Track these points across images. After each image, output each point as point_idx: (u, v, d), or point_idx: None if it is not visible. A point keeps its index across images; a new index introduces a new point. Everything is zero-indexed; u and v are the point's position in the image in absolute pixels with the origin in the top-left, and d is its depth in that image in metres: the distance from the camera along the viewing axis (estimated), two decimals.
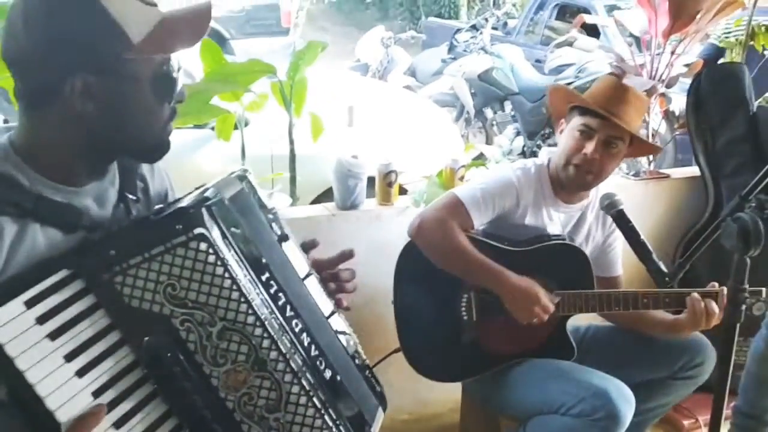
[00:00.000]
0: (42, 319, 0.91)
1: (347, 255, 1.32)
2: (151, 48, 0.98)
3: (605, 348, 2.05)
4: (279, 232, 1.19)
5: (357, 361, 1.26)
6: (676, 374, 1.96)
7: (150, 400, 1.00)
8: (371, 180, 2.38)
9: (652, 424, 2.14)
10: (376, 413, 1.25)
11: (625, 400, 1.75)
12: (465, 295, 1.93)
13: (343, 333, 1.26)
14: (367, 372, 1.29)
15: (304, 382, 1.05)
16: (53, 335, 0.92)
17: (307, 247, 1.30)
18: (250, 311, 1.00)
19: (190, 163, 2.95)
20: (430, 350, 1.98)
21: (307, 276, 1.21)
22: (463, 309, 1.94)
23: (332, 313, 1.24)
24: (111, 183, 1.10)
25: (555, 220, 1.96)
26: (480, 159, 2.81)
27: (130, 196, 1.12)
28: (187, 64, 3.46)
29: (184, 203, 1.02)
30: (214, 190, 1.05)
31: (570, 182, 1.91)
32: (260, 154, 2.54)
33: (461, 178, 2.40)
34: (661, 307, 1.87)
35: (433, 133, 3.86)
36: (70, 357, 0.93)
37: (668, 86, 2.88)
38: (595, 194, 2.00)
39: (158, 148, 1.08)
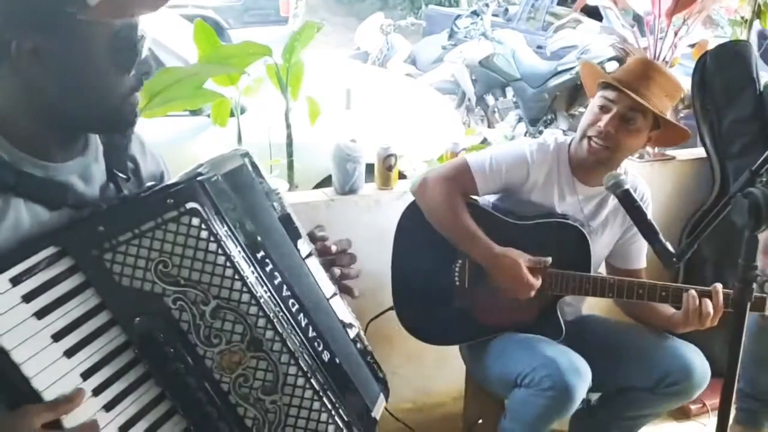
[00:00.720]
0: (28, 297, 0.88)
1: (345, 245, 1.28)
2: (108, 10, 0.92)
3: (596, 342, 1.95)
4: (280, 211, 1.15)
5: (359, 345, 1.23)
6: (654, 389, 1.86)
7: (142, 382, 0.96)
8: (370, 167, 2.34)
9: (645, 425, 2.05)
10: (378, 399, 1.22)
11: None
12: (459, 261, 1.92)
13: (345, 316, 1.22)
14: (369, 358, 1.25)
15: (302, 363, 1.02)
16: (40, 314, 0.89)
17: (313, 238, 1.26)
18: (244, 289, 0.97)
19: (186, 151, 2.90)
20: (421, 311, 1.98)
21: (309, 256, 1.18)
22: (456, 274, 1.93)
23: (333, 295, 1.20)
24: (95, 160, 1.06)
25: (568, 200, 1.91)
26: (483, 143, 2.76)
27: (120, 174, 1.08)
28: (182, 49, 3.40)
29: (175, 179, 0.99)
30: (208, 165, 1.02)
31: (585, 156, 1.86)
32: (257, 141, 2.49)
33: None
34: (656, 300, 1.82)
35: (434, 120, 3.82)
36: (58, 336, 0.90)
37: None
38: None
39: (120, 121, 1.03)
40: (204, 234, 0.95)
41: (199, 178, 0.98)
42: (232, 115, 2.42)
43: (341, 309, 1.21)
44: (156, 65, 3.18)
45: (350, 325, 1.22)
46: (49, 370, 0.88)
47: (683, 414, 2.50)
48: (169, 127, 2.81)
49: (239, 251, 0.99)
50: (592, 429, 2.04)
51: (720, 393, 1.42)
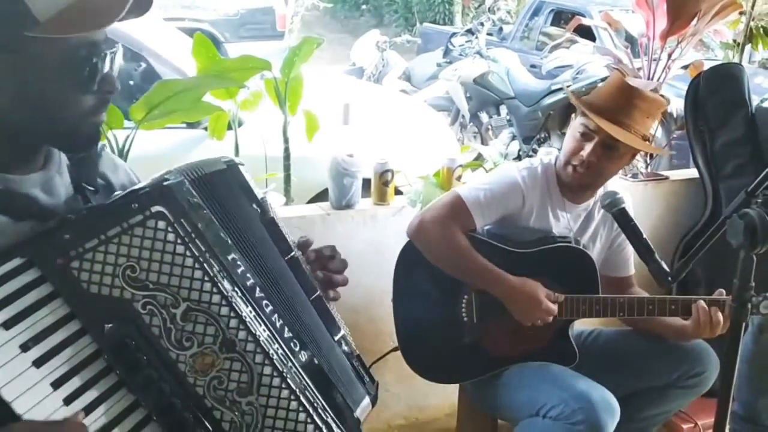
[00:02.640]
0: None
1: (330, 251, 1.28)
2: (58, 27, 0.89)
3: (608, 353, 2.01)
4: (263, 215, 1.15)
5: (344, 347, 1.22)
6: (675, 383, 1.91)
7: (115, 390, 0.94)
8: (367, 182, 2.35)
9: (653, 430, 2.10)
10: (362, 401, 1.19)
11: (607, 407, 1.70)
12: (465, 296, 1.90)
13: (330, 316, 1.22)
14: (355, 361, 1.24)
15: (277, 364, 1.01)
16: (7, 324, 0.87)
17: (301, 247, 1.26)
18: (214, 290, 0.97)
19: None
20: (429, 351, 1.95)
21: (292, 258, 1.17)
22: (464, 310, 1.90)
23: (317, 296, 1.20)
24: (58, 173, 1.04)
25: (561, 220, 1.93)
26: (478, 160, 2.78)
27: (88, 187, 1.06)
28: (179, 61, 3.40)
29: (141, 184, 0.98)
30: (177, 171, 1.01)
31: (570, 182, 1.89)
32: (254, 154, 2.50)
33: (458, 178, 2.37)
34: (667, 314, 1.84)
35: (429, 136, 3.84)
36: (26, 347, 0.88)
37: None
38: (603, 191, 1.96)
39: (78, 139, 1.00)
40: (171, 237, 0.95)
41: (165, 183, 0.97)
42: (229, 128, 2.42)
43: (325, 310, 1.21)
44: (153, 78, 3.23)
45: (336, 328, 1.22)
46: (18, 381, 0.87)
47: None
48: (166, 140, 2.81)
49: (207, 252, 0.98)
50: None
51: (714, 413, 1.42)
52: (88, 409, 0.92)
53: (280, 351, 1.03)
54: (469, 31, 6.43)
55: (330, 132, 2.69)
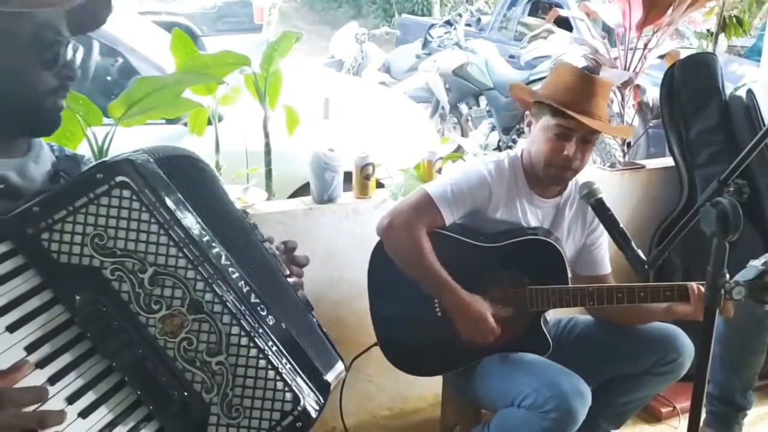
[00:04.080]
0: None
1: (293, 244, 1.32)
2: (28, 2, 0.98)
3: (584, 342, 2.04)
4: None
5: (315, 318, 1.25)
6: (651, 370, 1.95)
7: (89, 356, 0.98)
8: (348, 176, 2.36)
9: (632, 415, 2.14)
10: (335, 365, 1.22)
11: (578, 395, 1.73)
12: None
13: (302, 295, 1.26)
14: (328, 339, 1.26)
15: (244, 324, 1.04)
16: None
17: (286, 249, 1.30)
18: (180, 254, 1.01)
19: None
20: (406, 346, 1.98)
21: (264, 241, 1.23)
22: (437, 306, 1.93)
23: (287, 276, 1.24)
24: (34, 160, 1.10)
25: (530, 214, 1.94)
26: (458, 152, 2.80)
27: (64, 176, 1.12)
28: (155, 56, 3.37)
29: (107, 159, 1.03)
30: (141, 150, 1.06)
31: (550, 181, 1.91)
32: (234, 149, 2.50)
33: (439, 171, 2.39)
34: (636, 302, 1.86)
35: (409, 128, 3.85)
36: (0, 312, 0.91)
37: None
38: (573, 187, 1.97)
39: (41, 117, 1.07)
40: (135, 205, 0.99)
41: (128, 157, 1.03)
42: (209, 123, 2.42)
43: (298, 291, 1.25)
44: (131, 73, 3.20)
45: (308, 306, 1.25)
46: None
47: (654, 417, 2.56)
48: (145, 136, 2.79)
49: (171, 219, 1.02)
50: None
51: (690, 396, 1.46)
52: (62, 373, 0.95)
53: (247, 313, 1.06)
54: (448, 23, 6.43)
55: (310, 126, 2.69)
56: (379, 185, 2.45)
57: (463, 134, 5.90)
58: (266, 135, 2.36)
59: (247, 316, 1.05)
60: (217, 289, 1.03)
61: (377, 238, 1.95)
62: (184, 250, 1.01)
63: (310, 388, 1.10)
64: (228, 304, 1.03)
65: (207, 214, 1.10)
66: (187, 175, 1.11)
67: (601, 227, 1.82)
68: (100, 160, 1.02)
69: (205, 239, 1.06)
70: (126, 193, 0.98)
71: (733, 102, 2.73)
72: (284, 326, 1.11)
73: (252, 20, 8.65)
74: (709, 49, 3.38)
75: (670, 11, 2.83)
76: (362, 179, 2.33)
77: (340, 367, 1.23)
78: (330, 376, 1.17)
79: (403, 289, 1.91)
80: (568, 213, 1.98)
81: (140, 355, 0.99)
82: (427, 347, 1.96)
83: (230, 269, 1.08)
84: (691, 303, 1.80)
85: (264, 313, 1.09)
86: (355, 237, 2.27)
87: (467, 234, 1.91)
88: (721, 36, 3.42)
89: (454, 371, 2.01)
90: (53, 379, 0.93)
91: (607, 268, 2.06)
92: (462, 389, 2.03)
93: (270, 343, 1.07)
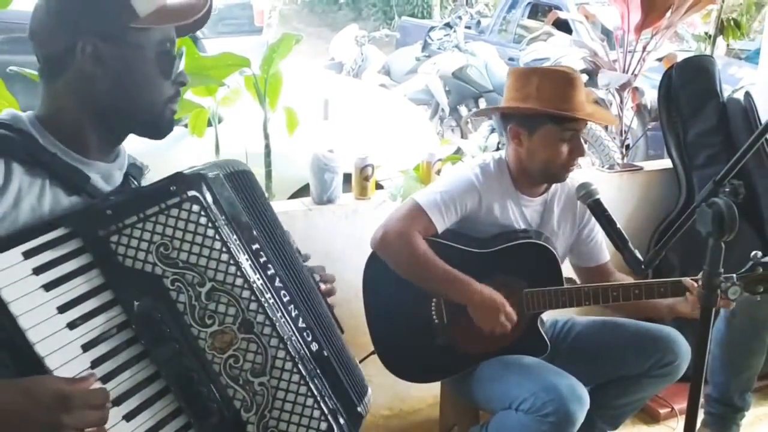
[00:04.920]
0: (38, 270, 0.95)
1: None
2: (153, 20, 1.09)
3: (581, 343, 2.04)
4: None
5: (344, 336, 1.30)
6: (648, 372, 1.95)
7: (139, 360, 1.01)
8: (348, 177, 2.37)
9: (629, 416, 2.14)
10: (365, 394, 1.25)
11: (576, 398, 1.73)
12: (434, 299, 1.93)
13: (335, 317, 1.31)
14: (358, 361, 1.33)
15: (290, 349, 1.07)
16: (48, 286, 0.94)
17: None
18: (238, 273, 1.04)
19: (163, 161, 2.90)
20: (405, 354, 1.98)
21: (302, 253, 1.29)
22: (434, 313, 1.93)
23: (325, 297, 1.30)
24: (120, 168, 1.17)
25: (520, 215, 1.95)
26: (457, 153, 2.81)
27: (134, 179, 1.19)
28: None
29: (179, 171, 1.06)
30: (213, 164, 1.12)
31: (552, 180, 1.93)
32: (234, 150, 2.51)
33: (438, 172, 2.40)
34: (631, 299, 1.87)
35: (409, 130, 3.86)
36: (63, 309, 0.95)
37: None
38: (560, 184, 1.98)
39: (161, 124, 1.15)
40: (203, 220, 1.02)
41: (201, 171, 1.06)
42: (209, 124, 2.43)
43: (332, 312, 1.31)
44: None
45: (340, 327, 1.30)
46: (52, 339, 0.94)
47: (652, 418, 2.56)
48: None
49: (235, 239, 1.06)
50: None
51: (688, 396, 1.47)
52: (113, 374, 0.98)
53: (294, 338, 1.09)
54: (448, 25, 6.46)
55: (310, 127, 2.70)
56: (379, 186, 2.46)
57: (463, 136, 5.91)
58: (266, 136, 2.38)
59: (294, 341, 1.09)
60: (269, 312, 1.06)
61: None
62: (243, 270, 1.04)
63: (344, 418, 1.13)
64: (278, 327, 1.06)
65: (263, 232, 1.15)
66: (248, 191, 1.17)
67: (594, 219, 1.84)
68: (175, 172, 1.05)
69: (262, 260, 1.10)
70: (195, 207, 1.02)
71: (730, 104, 2.74)
72: (326, 354, 1.15)
73: (252, 22, 8.67)
74: (708, 52, 3.39)
75: (668, 14, 2.84)
76: (362, 180, 2.34)
77: (368, 394, 1.27)
78: (362, 408, 1.21)
79: (398, 299, 1.92)
80: (556, 209, 1.99)
81: (188, 365, 1.01)
82: (426, 355, 1.96)
83: (282, 292, 1.12)
84: (688, 300, 1.81)
85: (309, 339, 1.13)
86: (354, 238, 2.28)
87: (459, 240, 1.91)
88: (721, 39, 3.44)
89: (453, 377, 2.01)
90: (105, 379, 0.97)
91: (606, 255, 2.07)
92: (460, 391, 2.04)
93: (312, 370, 1.10)
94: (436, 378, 2.08)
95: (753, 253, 1.68)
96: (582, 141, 1.86)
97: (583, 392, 1.77)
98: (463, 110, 6.02)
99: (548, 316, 2.05)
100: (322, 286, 1.35)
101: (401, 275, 1.86)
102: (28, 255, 0.94)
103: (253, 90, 2.31)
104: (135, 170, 1.22)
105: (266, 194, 1.31)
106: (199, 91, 2.31)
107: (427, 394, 2.52)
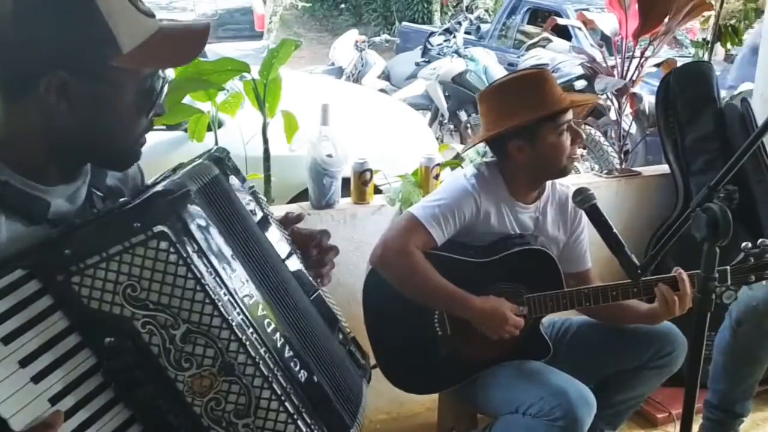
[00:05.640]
0: None
1: (325, 234, 1.31)
2: (139, 60, 0.96)
3: (579, 342, 2.07)
4: (259, 214, 1.15)
5: (340, 336, 1.23)
6: (647, 364, 1.98)
7: (112, 406, 0.94)
8: (346, 182, 2.38)
9: (628, 416, 2.16)
10: (361, 398, 1.21)
11: (584, 401, 1.75)
12: (436, 312, 1.93)
13: (327, 309, 1.22)
14: (351, 347, 1.25)
15: (275, 387, 1.00)
16: (6, 339, 0.87)
17: (290, 221, 1.28)
18: (215, 313, 0.96)
19: (163, 166, 2.91)
20: (408, 367, 1.98)
21: (289, 256, 1.17)
22: (437, 324, 1.93)
23: (315, 292, 1.20)
24: (84, 183, 1.07)
25: (516, 221, 1.95)
26: (457, 158, 2.82)
27: (96, 192, 1.08)
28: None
29: (145, 196, 0.96)
30: (180, 180, 0.99)
31: (564, 174, 1.94)
32: (234, 154, 2.52)
33: (436, 177, 2.41)
34: (630, 297, 1.90)
35: (409, 135, 3.87)
36: (25, 362, 0.88)
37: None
38: (550, 187, 2.00)
39: (127, 158, 1.06)
40: (173, 258, 0.93)
41: (169, 198, 0.95)
42: (209, 129, 2.44)
43: (323, 305, 1.21)
44: None
45: (333, 320, 1.22)
46: (16, 398, 0.87)
47: (649, 422, 2.56)
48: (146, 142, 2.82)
49: (210, 272, 0.97)
50: None
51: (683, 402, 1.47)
52: (86, 424, 0.91)
53: (279, 373, 1.02)
54: (447, 31, 6.49)
55: (309, 132, 2.71)
56: (377, 191, 2.47)
57: (462, 141, 5.92)
58: (265, 141, 2.39)
59: (279, 377, 1.01)
60: (251, 350, 0.98)
61: (374, 244, 1.97)
62: (220, 308, 0.96)
63: None
64: (261, 365, 0.99)
65: (241, 250, 1.05)
66: (221, 201, 1.06)
67: (584, 224, 1.86)
68: (138, 201, 0.94)
69: (241, 292, 1.01)
70: (163, 245, 0.92)
71: (728, 110, 2.75)
72: (316, 379, 1.08)
73: (253, 27, 8.71)
74: (705, 58, 3.41)
75: (666, 20, 2.86)
76: (360, 185, 2.35)
77: (363, 405, 1.21)
78: (356, 426, 1.16)
79: (400, 313, 1.92)
80: (549, 214, 2.00)
81: (165, 408, 0.95)
82: (430, 367, 1.97)
83: (266, 321, 1.03)
84: (680, 292, 1.83)
85: (297, 368, 1.05)
86: (353, 242, 2.29)
87: (458, 250, 1.91)
88: (718, 44, 3.45)
89: (459, 384, 2.00)
90: (79, 430, 0.90)
91: (589, 263, 2.08)
92: (461, 396, 2.04)
93: (300, 405, 1.03)
94: (442, 388, 2.08)
95: (743, 244, 1.72)
96: (575, 126, 1.89)
97: (591, 396, 1.78)
98: (462, 115, 6.04)
99: (546, 318, 2.06)
100: (324, 270, 1.27)
101: (400, 291, 1.87)
102: None
103: (252, 95, 2.32)
104: (118, 182, 1.13)
105: (265, 198, 1.22)
106: (198, 96, 2.32)
107: (425, 398, 2.52)
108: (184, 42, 1.00)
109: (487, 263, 1.89)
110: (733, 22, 3.69)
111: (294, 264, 1.19)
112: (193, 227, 0.97)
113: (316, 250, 1.27)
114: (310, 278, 1.22)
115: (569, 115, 1.88)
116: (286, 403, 1.01)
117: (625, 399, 2.05)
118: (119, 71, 0.96)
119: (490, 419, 1.96)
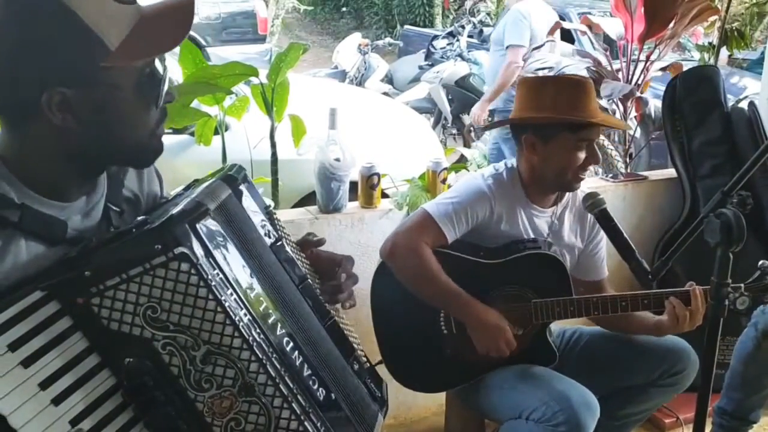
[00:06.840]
0: (14, 346, 0.88)
1: (347, 260, 1.30)
2: (130, 54, 0.94)
3: (589, 353, 2.05)
4: (273, 236, 1.15)
5: (356, 366, 1.22)
6: (656, 382, 1.95)
7: (132, 426, 0.95)
8: (354, 185, 2.37)
9: (634, 428, 2.14)
10: (375, 423, 1.20)
11: (587, 407, 1.73)
12: (443, 311, 1.92)
13: (343, 337, 1.22)
14: (367, 378, 1.25)
15: (295, 406, 1.00)
16: (27, 362, 0.88)
17: (310, 245, 1.28)
18: (236, 334, 0.96)
19: (170, 169, 2.91)
20: (413, 365, 1.98)
21: (303, 281, 1.17)
22: (443, 324, 1.93)
23: (331, 319, 1.20)
24: (102, 196, 1.07)
25: (531, 225, 1.94)
26: (461, 162, 2.82)
27: (113, 207, 1.08)
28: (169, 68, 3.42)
29: (166, 216, 0.95)
30: (199, 200, 0.99)
31: (567, 188, 1.92)
32: (241, 158, 2.52)
33: (443, 181, 2.40)
34: (640, 309, 1.87)
35: (414, 138, 3.87)
36: (45, 384, 0.89)
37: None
38: (571, 194, 1.98)
39: (147, 153, 1.05)
40: (194, 279, 0.93)
41: (189, 218, 0.95)
42: (216, 133, 2.44)
43: (338, 333, 1.21)
44: None
45: (349, 349, 1.22)
46: (37, 421, 0.87)
47: (657, 427, 2.56)
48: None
49: (231, 293, 0.97)
50: None
51: (695, 407, 1.46)
52: None
53: (299, 393, 1.02)
54: (450, 34, 6.50)
55: (317, 136, 2.71)
56: (384, 195, 2.47)
57: (466, 145, 5.92)
58: (273, 145, 2.39)
59: (299, 397, 1.01)
60: (271, 370, 0.98)
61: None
62: (240, 329, 0.96)
63: None
64: (281, 386, 0.99)
65: (258, 272, 1.05)
66: (236, 219, 1.06)
67: (602, 233, 1.83)
68: (160, 223, 0.94)
69: (261, 308, 1.02)
70: (185, 266, 0.92)
71: (735, 114, 2.75)
72: (333, 397, 1.08)
73: (256, 30, 8.72)
74: (711, 62, 3.40)
75: (672, 24, 2.86)
76: (368, 189, 2.35)
77: (380, 420, 1.21)
78: None
79: (407, 310, 1.91)
80: (567, 220, 1.99)
81: (184, 429, 0.95)
82: (435, 365, 1.96)
83: (285, 339, 1.04)
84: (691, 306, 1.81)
85: (315, 386, 1.06)
86: (360, 246, 2.29)
87: (468, 250, 1.90)
88: (723, 48, 3.45)
89: (461, 386, 2.01)
90: None
91: (605, 272, 2.07)
92: (468, 400, 2.03)
93: (319, 424, 1.03)
94: (445, 388, 2.08)
95: (760, 262, 1.69)
96: (596, 148, 1.86)
97: (594, 402, 1.77)
98: (465, 119, 6.04)
99: (555, 325, 2.05)
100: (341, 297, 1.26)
101: (407, 286, 1.87)
102: (2, 330, 0.87)
103: (260, 99, 2.32)
104: (129, 203, 1.12)
105: (271, 203, 1.20)
106: (206, 100, 2.32)
107: (432, 402, 2.52)
108: (169, 24, 0.97)
109: (496, 265, 1.88)
110: (736, 25, 3.68)
111: (308, 290, 1.18)
112: (212, 248, 0.97)
113: (343, 274, 1.27)
114: (325, 305, 1.22)
115: (593, 134, 1.85)
116: (306, 423, 1.01)
117: (629, 413, 2.02)
118: (112, 70, 0.95)
119: (498, 425, 1.95)
